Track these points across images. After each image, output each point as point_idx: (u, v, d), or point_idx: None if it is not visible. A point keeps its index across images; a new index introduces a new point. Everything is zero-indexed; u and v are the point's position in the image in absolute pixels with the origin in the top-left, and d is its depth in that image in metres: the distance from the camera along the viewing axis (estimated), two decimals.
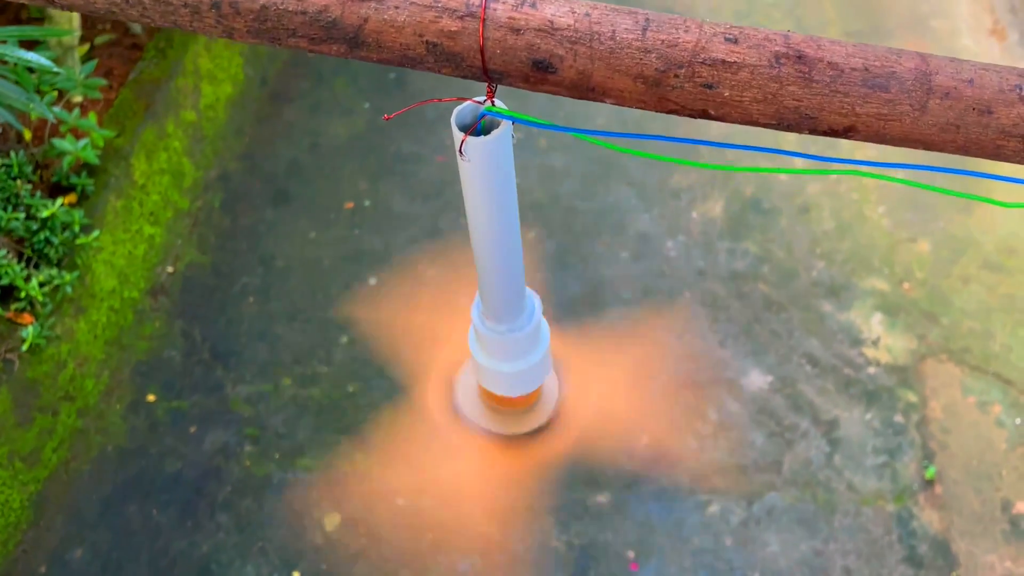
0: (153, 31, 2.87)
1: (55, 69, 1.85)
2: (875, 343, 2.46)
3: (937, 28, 3.31)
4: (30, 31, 2.00)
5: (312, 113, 3.11)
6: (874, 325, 2.50)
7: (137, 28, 2.85)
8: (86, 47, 2.72)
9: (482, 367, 2.09)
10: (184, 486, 2.26)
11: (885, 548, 2.13)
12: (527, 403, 2.30)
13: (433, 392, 2.39)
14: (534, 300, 2.04)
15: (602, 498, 2.21)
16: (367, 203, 2.83)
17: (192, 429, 2.35)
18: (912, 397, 2.35)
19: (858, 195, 2.79)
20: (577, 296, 2.57)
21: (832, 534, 2.15)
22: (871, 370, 2.41)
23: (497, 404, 2.29)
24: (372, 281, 2.64)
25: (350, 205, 2.83)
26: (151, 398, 2.40)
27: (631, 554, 2.13)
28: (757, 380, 2.40)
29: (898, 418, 2.32)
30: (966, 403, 2.34)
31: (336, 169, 2.93)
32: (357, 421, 2.35)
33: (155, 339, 2.52)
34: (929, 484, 2.21)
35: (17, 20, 2.86)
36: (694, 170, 2.87)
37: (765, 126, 0.98)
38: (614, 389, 2.37)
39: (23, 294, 2.10)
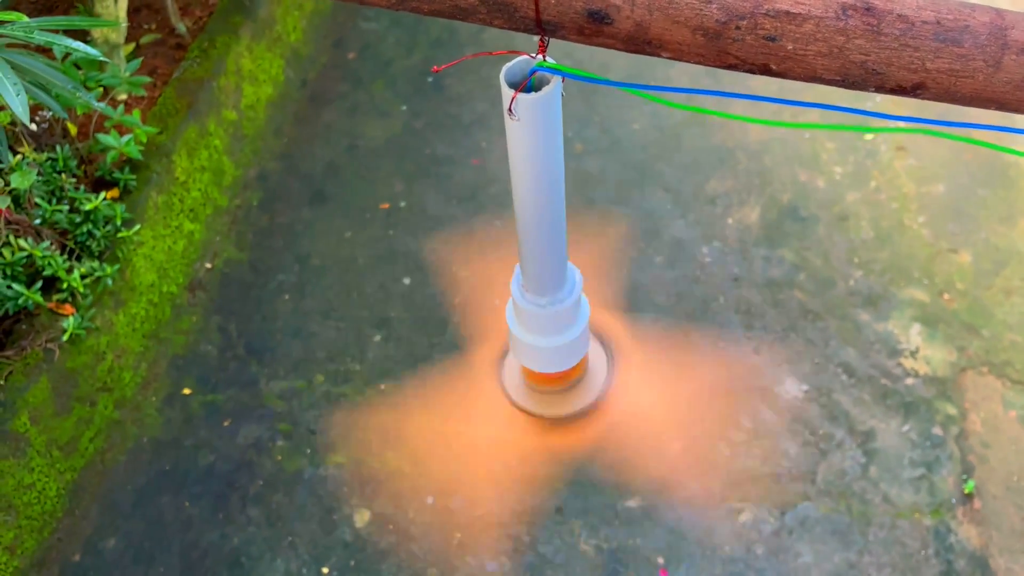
0: (197, 32, 2.92)
1: (101, 58, 1.88)
2: (914, 354, 2.42)
3: None
4: (78, 21, 2.04)
5: (350, 115, 3.14)
6: (913, 336, 2.46)
7: (182, 28, 2.90)
8: (131, 46, 2.78)
9: (520, 343, 2.04)
10: (217, 479, 2.28)
11: (921, 562, 2.09)
12: (566, 380, 2.30)
13: (468, 388, 2.40)
14: (575, 274, 2.00)
15: (632, 503, 2.19)
16: (402, 204, 2.85)
17: (226, 423, 2.38)
18: (951, 410, 2.31)
19: (898, 204, 2.75)
20: (610, 301, 2.56)
21: (866, 547, 2.11)
22: (909, 381, 2.37)
23: (537, 384, 2.29)
24: (406, 281, 2.65)
25: (386, 206, 2.85)
26: (187, 391, 2.43)
27: (660, 560, 2.11)
28: (792, 389, 2.37)
29: (936, 431, 2.28)
30: (1007, 417, 2.29)
31: (372, 170, 2.96)
32: (389, 419, 2.36)
33: (192, 333, 2.55)
34: (968, 499, 2.17)
35: (65, 14, 2.92)
36: (730, 176, 2.85)
37: (829, 83, 0.94)
38: (649, 390, 2.36)
39: (65, 285, 2.14)
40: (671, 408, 2.34)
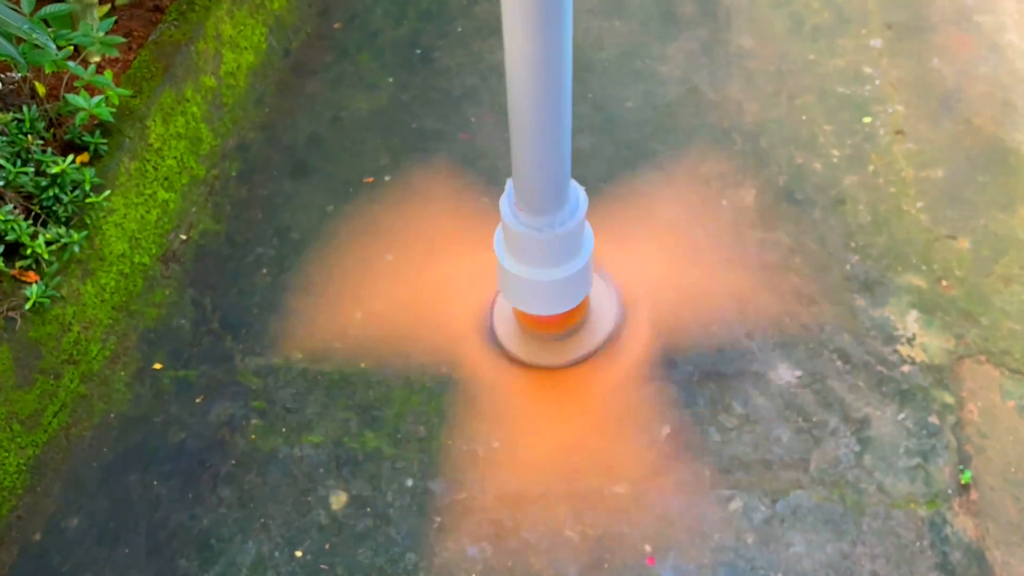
0: None
1: (71, 7, 1.78)
2: (910, 341, 2.35)
3: (982, 23, 3.19)
4: None
5: (335, 86, 3.04)
6: (910, 323, 2.39)
7: None
8: (106, 7, 2.66)
9: (511, 277, 1.71)
10: (187, 457, 2.19)
11: (916, 554, 2.02)
12: (563, 325, 2.02)
13: (452, 363, 2.31)
14: (579, 192, 1.67)
15: (620, 488, 2.11)
16: (387, 178, 2.75)
17: (198, 400, 2.28)
18: (948, 398, 2.25)
19: (896, 189, 2.68)
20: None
21: (860, 536, 2.05)
22: (905, 368, 2.30)
23: (535, 328, 2.02)
24: (389, 257, 2.56)
25: (370, 180, 2.75)
26: (157, 366, 2.33)
27: (648, 548, 2.04)
28: (785, 374, 2.30)
29: (933, 419, 2.21)
30: (1005, 407, 2.23)
31: (357, 143, 2.86)
32: (368, 398, 2.27)
33: (164, 307, 2.45)
34: (964, 489, 2.10)
35: None
36: (725, 157, 2.77)
37: None
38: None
39: (29, 251, 2.04)
40: (661, 385, 2.26)
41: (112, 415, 2.25)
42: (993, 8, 3.23)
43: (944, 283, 2.47)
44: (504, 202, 1.64)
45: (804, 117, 2.89)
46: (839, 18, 3.21)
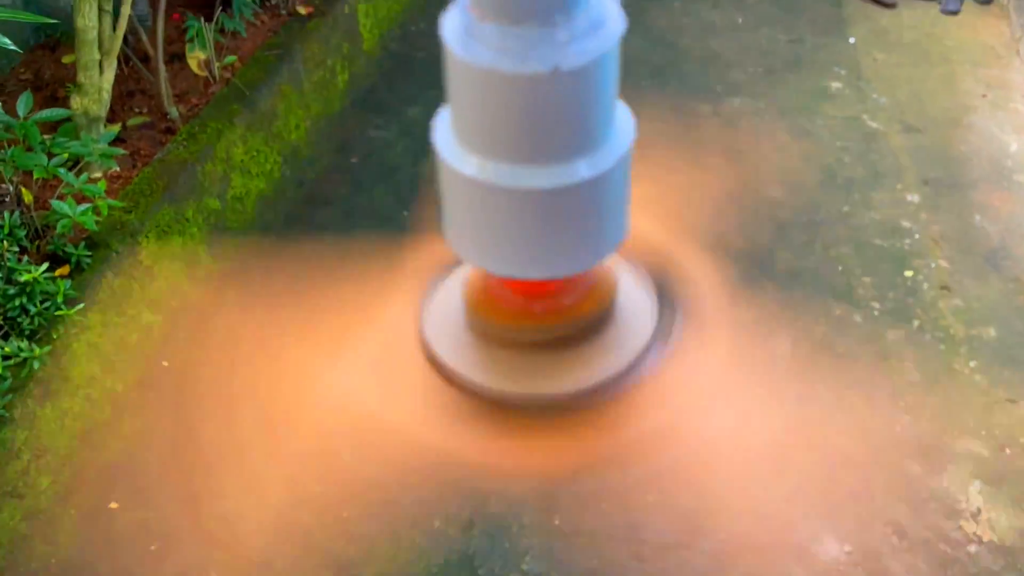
0: (189, 116, 2.74)
1: (66, 114, 1.65)
2: (975, 516, 2.04)
3: (1023, 183, 3.06)
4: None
5: (346, 218, 2.91)
6: (973, 495, 2.09)
7: (174, 112, 2.72)
8: (117, 126, 2.58)
9: (461, 187, 0.88)
10: None
11: None
12: (566, 314, 1.01)
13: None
14: None
15: None
16: None
17: (153, 547, 1.99)
18: None
19: (945, 347, 2.45)
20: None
21: None
22: (972, 549, 1.98)
23: (512, 318, 1.01)
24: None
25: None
26: (113, 505, 2.06)
27: None
28: (832, 548, 1.98)
29: None
30: None
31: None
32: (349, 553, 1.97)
33: (133, 439, 2.20)
34: None
35: (54, 98, 2.76)
36: (756, 304, 2.55)
37: None
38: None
39: None
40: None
41: (53, 560, 1.96)
42: None
43: (1008, 451, 2.18)
44: (453, 15, 0.88)
45: (840, 268, 2.71)
46: (873, 172, 3.10)
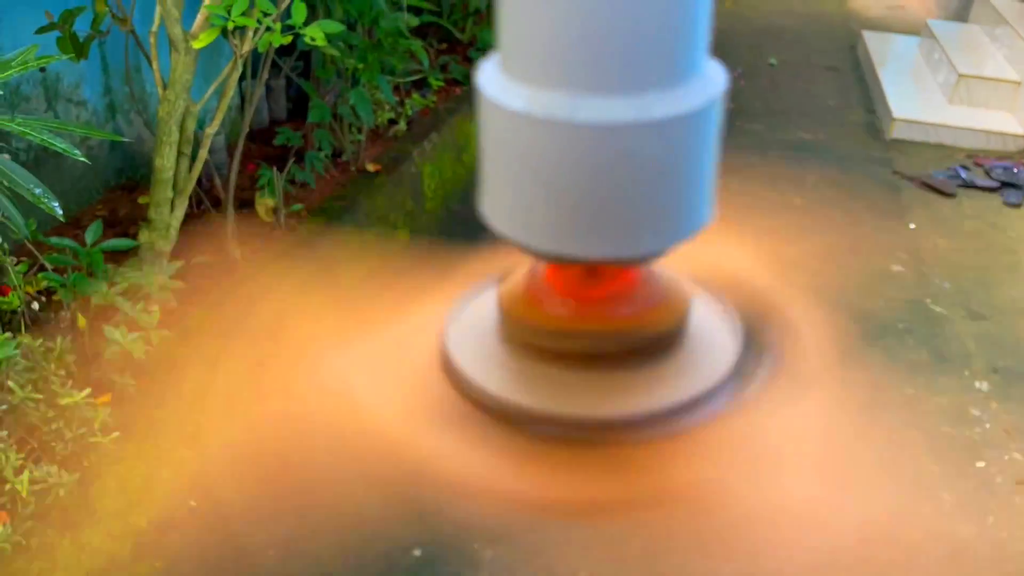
0: (251, 259, 2.80)
1: (131, 245, 1.69)
2: None
3: None
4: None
5: None
6: None
7: (237, 254, 2.79)
8: (180, 262, 2.64)
9: (511, 131, 0.65)
10: None
11: None
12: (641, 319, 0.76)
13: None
14: None
15: None
16: None
17: None
18: None
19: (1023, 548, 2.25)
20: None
21: None
22: None
23: (560, 320, 0.77)
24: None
25: None
26: None
27: None
28: None
29: None
30: None
31: None
32: None
33: None
34: None
35: (125, 234, 2.85)
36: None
37: None
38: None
39: (8, 487, 1.78)
40: None
41: None
42: None
43: None
44: None
45: (907, 454, 2.56)
46: (937, 357, 2.99)
